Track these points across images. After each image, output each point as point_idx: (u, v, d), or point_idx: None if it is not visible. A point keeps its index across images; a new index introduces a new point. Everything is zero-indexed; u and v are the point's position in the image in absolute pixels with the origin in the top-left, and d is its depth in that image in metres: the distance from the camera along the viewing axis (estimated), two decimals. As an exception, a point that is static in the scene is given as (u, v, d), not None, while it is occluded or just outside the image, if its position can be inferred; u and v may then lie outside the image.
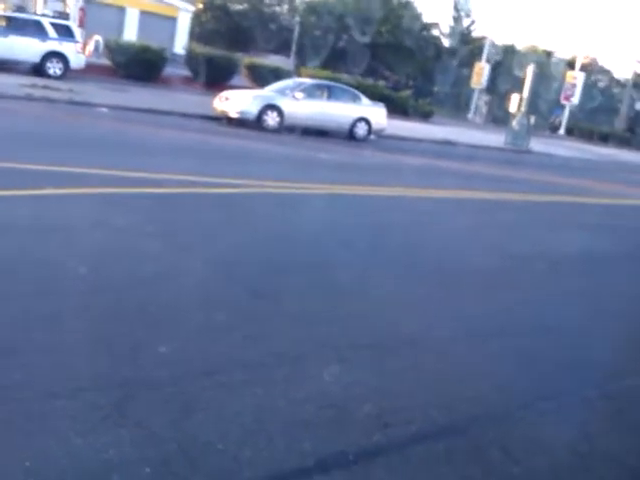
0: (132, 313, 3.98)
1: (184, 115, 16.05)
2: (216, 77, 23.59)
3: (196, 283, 4.67)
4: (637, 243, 9.17)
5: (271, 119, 15.88)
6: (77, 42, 19.84)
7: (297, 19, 45.01)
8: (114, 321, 3.82)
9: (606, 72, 57.88)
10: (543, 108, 31.24)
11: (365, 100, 17.97)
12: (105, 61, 22.75)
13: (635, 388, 4.08)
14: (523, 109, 24.47)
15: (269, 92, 17.10)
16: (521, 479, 2.87)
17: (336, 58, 43.28)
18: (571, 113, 38.87)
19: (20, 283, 4.17)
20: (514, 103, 25.20)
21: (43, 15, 20.75)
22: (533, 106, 24.91)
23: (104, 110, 14.52)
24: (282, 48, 41.59)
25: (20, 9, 21.58)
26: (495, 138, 24.84)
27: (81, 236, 5.26)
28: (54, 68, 19.37)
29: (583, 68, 40.96)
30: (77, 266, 4.51)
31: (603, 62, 61.64)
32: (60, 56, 19.45)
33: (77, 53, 19.80)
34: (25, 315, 3.72)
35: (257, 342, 3.81)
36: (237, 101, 15.87)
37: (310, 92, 16.98)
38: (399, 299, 5.03)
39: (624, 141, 38.44)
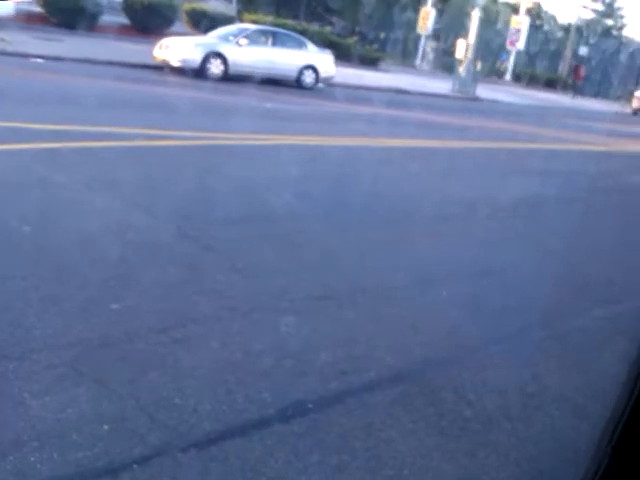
0: (81, 271, 3.88)
1: (123, 65, 15.44)
2: (155, 24, 22.74)
3: (146, 239, 4.59)
4: (579, 186, 9.43)
5: (215, 67, 15.44)
6: (5, -14, 18.70)
7: (238, -39, 43.48)
8: (63, 280, 3.73)
9: (550, 17, 58.32)
10: (489, 54, 31.33)
11: (311, 47, 17.65)
12: (36, 8, 21.56)
13: (582, 328, 4.26)
14: (469, 55, 24.52)
15: (211, 39, 16.58)
16: (474, 420, 2.98)
17: (280, 3, 42.21)
18: (517, 59, 39.16)
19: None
20: (460, 49, 25.22)
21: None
22: (479, 52, 24.97)
23: (39, 61, 13.85)
24: (224, -7, 40.20)
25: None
26: (442, 85, 24.87)
27: (23, 194, 5.07)
28: (-20, 15, 18.29)
29: (527, 12, 41.09)
30: (21, 224, 4.36)
31: (547, 7, 61.98)
32: (-14, 2, 18.33)
33: (5, -1, 18.69)
34: None
35: (210, 296, 3.79)
36: (178, 49, 15.33)
37: (254, 39, 16.55)
38: (351, 249, 5.06)
39: (568, 87, 39.07)
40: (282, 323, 3.58)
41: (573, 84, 29.50)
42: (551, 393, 3.33)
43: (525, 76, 38.20)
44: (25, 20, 19.75)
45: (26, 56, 14.05)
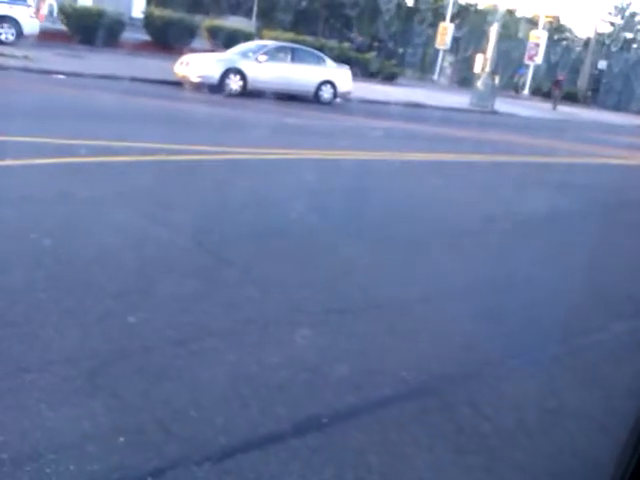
0: (100, 284, 3.92)
1: (144, 81, 15.66)
2: (176, 41, 23.05)
3: (164, 252, 4.62)
4: (598, 200, 9.34)
5: (234, 83, 15.60)
6: (29, 6, 19.09)
7: (258, -21, 43.96)
8: (82, 293, 3.76)
9: (568, 31, 58.14)
10: (508, 68, 31.33)
11: (330, 62, 17.76)
12: (60, 26, 21.99)
13: (601, 343, 4.20)
14: (487, 69, 24.50)
15: (231, 55, 16.76)
16: (492, 435, 2.94)
17: (299, 19, 42.56)
18: (535, 72, 39.06)
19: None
20: (478, 64, 25.23)
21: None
22: (497, 66, 24.96)
23: (61, 77, 14.09)
24: (243, 9, 40.68)
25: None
26: (460, 99, 24.87)
27: (45, 207, 5.14)
28: (6, 33, 18.64)
29: (546, 27, 41.01)
30: (42, 238, 4.41)
31: (565, 20, 61.86)
32: (12, 21, 18.71)
33: (30, 17, 19.07)
34: (-11, 289, 3.64)
35: (227, 309, 3.80)
36: (198, 65, 15.52)
37: (273, 55, 16.70)
38: (368, 262, 5.05)
39: (587, 100, 38.87)
40: (298, 336, 3.58)
41: (552, 95, 29.88)
42: (570, 408, 3.28)
43: (543, 90, 38.06)
44: (49, 38, 20.12)
45: (49, 72, 14.30)
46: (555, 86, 30.69)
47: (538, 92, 37.23)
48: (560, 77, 30.94)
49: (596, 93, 42.29)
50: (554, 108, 28.90)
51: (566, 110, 31.18)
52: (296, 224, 5.74)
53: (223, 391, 2.98)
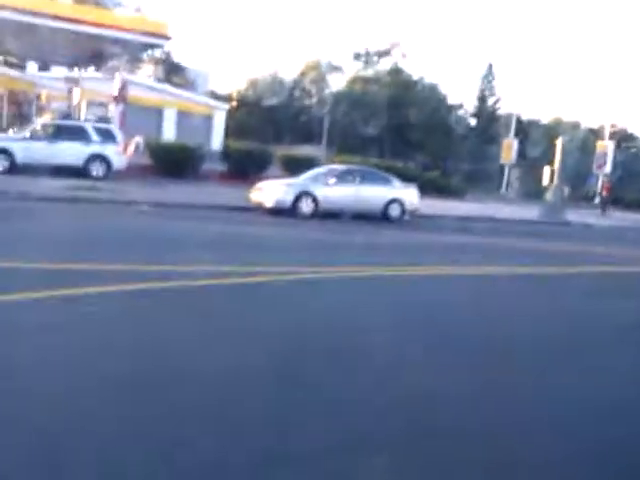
0: (169, 411, 3.95)
1: (222, 208, 16.55)
2: (251, 170, 24.45)
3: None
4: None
5: (306, 206, 16.25)
6: (118, 144, 20.88)
7: (326, 110, 46.69)
8: (151, 424, 3.84)
9: (635, 139, 58.03)
10: (576, 179, 31.37)
11: (396, 182, 18.32)
12: (146, 160, 23.81)
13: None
14: (556, 181, 24.56)
15: (302, 180, 17.60)
16: None
17: (366, 144, 44.44)
18: (605, 182, 38.78)
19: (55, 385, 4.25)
20: (546, 176, 25.37)
21: (86, 120, 22.04)
22: (565, 177, 25.01)
23: (145, 207, 15.08)
24: (313, 137, 42.97)
25: (66, 116, 22.92)
26: (531, 212, 24.82)
27: (119, 335, 5.36)
28: (97, 170, 20.35)
29: (612, 137, 41.13)
30: (117, 363, 4.59)
31: (633, 129, 61.88)
32: (103, 158, 20.47)
33: (118, 154, 20.81)
34: (82, 415, 3.77)
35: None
36: (272, 191, 16.34)
37: (342, 177, 17.43)
38: (451, 383, 4.91)
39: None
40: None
41: (601, 200, 29.80)
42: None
43: (615, 198, 37.59)
44: (136, 171, 21.78)
45: (134, 203, 15.35)
46: (606, 191, 30.92)
47: (612, 201, 36.75)
48: (607, 183, 31.23)
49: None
50: (603, 213, 28.76)
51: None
52: (371, 341, 5.73)
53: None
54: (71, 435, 3.46)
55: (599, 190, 30.34)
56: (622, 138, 51.81)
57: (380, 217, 17.31)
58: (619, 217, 29.15)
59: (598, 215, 26.84)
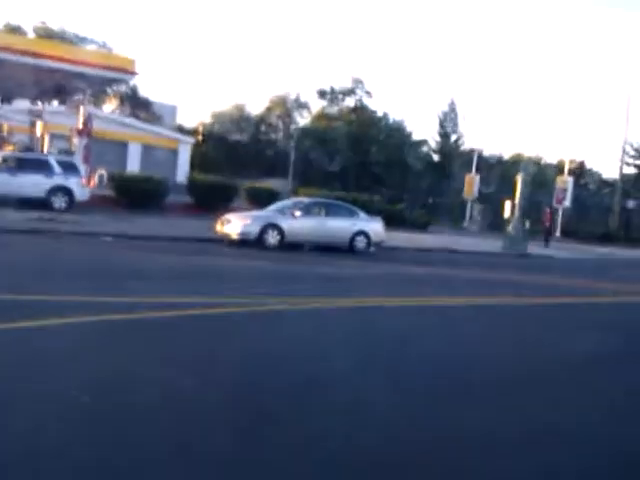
0: (135, 447, 3.86)
1: (186, 239, 16.44)
2: (217, 202, 24.37)
3: (192, 405, 4.59)
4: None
5: (272, 237, 16.26)
6: (81, 176, 20.70)
7: (292, 144, 47.05)
8: (122, 449, 3.75)
9: (594, 174, 59.84)
10: (537, 212, 32.10)
11: (362, 214, 18.49)
12: (109, 192, 23.58)
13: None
14: (517, 214, 25.10)
15: (269, 212, 17.64)
16: None
17: (331, 177, 44.85)
18: (564, 215, 39.80)
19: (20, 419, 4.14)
20: (507, 209, 25.95)
21: (49, 153, 21.83)
22: (526, 211, 25.61)
23: (108, 239, 14.88)
24: (279, 171, 43.18)
25: (28, 149, 22.64)
26: (492, 244, 25.26)
27: (82, 365, 5.24)
28: (59, 202, 20.07)
29: (571, 172, 42.39)
30: (80, 395, 4.45)
31: (591, 164, 63.97)
32: (65, 190, 20.22)
33: (81, 187, 20.60)
34: (27, 450, 3.67)
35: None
36: (238, 223, 16.32)
37: (308, 210, 17.52)
38: (418, 416, 4.92)
39: (619, 239, 39.12)
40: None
41: (544, 230, 30.22)
42: None
43: (574, 231, 38.57)
44: (99, 203, 21.56)
45: (96, 235, 15.14)
46: (547, 221, 31.00)
47: (569, 234, 37.67)
48: (548, 214, 31.29)
49: (628, 231, 42.60)
50: (546, 244, 28.65)
51: (600, 250, 31.24)
52: (334, 375, 5.70)
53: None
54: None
55: (543, 220, 30.70)
56: (580, 173, 53.42)
57: (346, 249, 17.39)
58: (580, 249, 29.82)
59: (542, 247, 27.20)
